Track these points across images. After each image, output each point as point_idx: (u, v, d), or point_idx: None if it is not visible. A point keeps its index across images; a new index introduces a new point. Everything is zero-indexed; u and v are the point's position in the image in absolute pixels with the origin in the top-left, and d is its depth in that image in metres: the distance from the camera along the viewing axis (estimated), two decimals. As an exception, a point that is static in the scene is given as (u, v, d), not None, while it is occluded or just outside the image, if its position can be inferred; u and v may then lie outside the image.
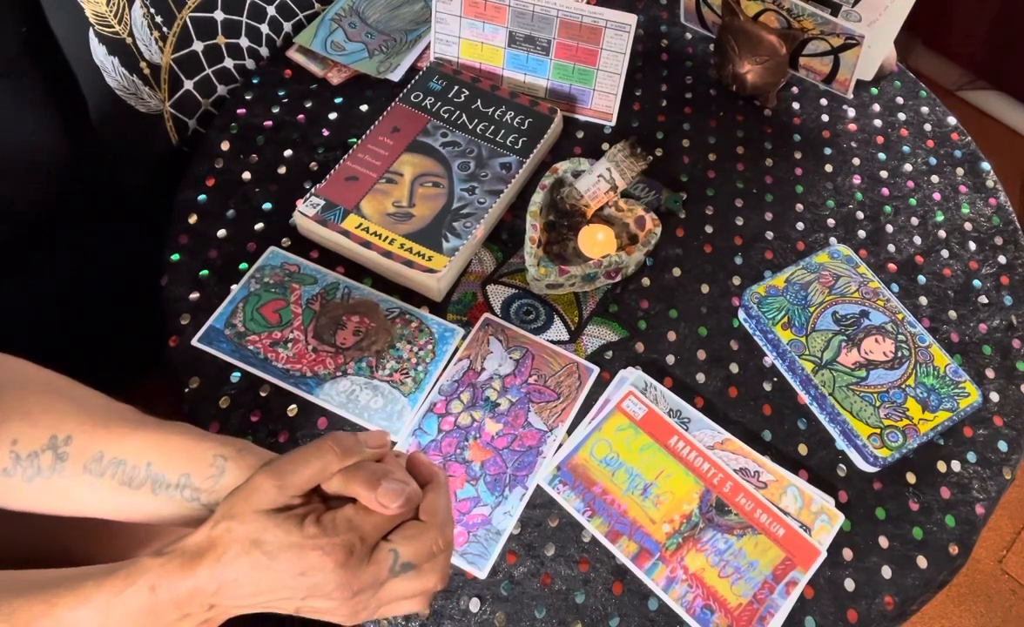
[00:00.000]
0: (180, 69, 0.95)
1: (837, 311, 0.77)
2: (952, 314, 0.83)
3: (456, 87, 0.93)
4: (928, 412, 0.72)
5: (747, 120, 0.98)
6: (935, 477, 0.73)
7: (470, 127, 0.90)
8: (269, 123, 0.92)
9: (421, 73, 0.95)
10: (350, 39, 1.00)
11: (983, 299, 0.84)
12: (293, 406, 0.73)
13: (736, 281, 0.84)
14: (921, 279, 0.85)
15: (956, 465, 0.73)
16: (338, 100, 0.95)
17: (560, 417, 0.73)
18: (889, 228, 0.89)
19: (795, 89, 1.01)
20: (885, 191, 0.92)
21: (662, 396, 0.75)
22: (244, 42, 1.01)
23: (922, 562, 0.68)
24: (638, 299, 0.82)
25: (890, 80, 1.03)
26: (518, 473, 0.70)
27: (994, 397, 0.77)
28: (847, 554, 0.68)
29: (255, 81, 0.96)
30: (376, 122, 0.90)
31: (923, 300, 0.84)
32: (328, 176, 0.85)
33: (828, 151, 0.95)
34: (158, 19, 0.91)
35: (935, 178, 0.94)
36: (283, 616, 0.49)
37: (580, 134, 0.95)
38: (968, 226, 0.90)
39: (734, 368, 0.78)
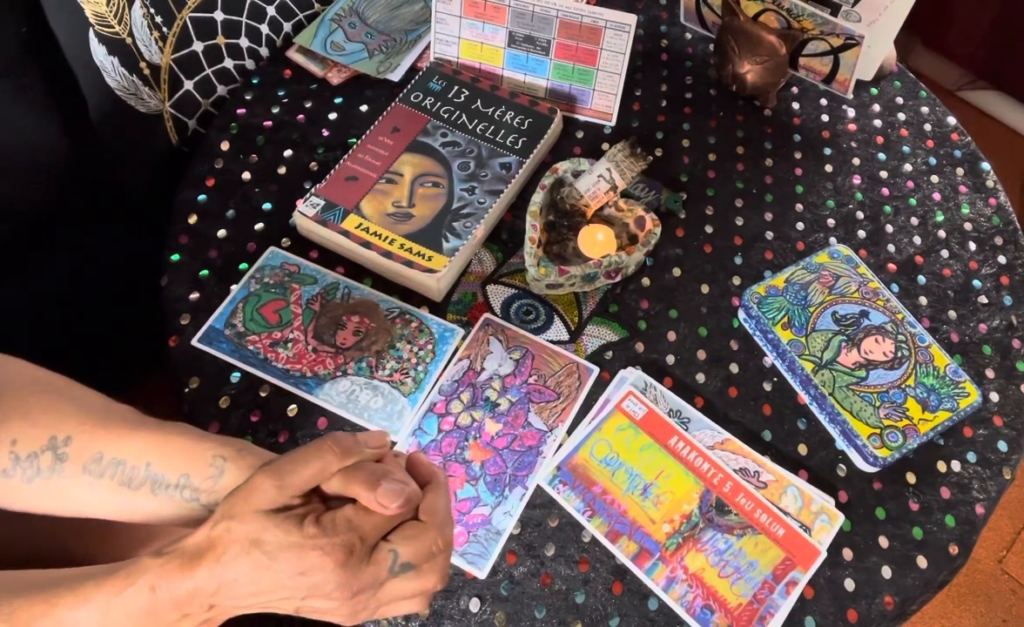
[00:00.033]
0: (180, 69, 0.95)
1: (837, 311, 0.77)
2: (952, 314, 0.83)
3: (456, 87, 0.93)
4: (928, 412, 0.72)
5: (747, 120, 0.98)
6: (935, 477, 0.73)
7: (470, 127, 0.90)
8: (269, 123, 0.92)
9: (421, 73, 0.95)
10: (350, 39, 1.00)
11: (983, 299, 0.84)
12: (293, 406, 0.73)
13: (736, 281, 0.84)
14: (921, 279, 0.85)
15: (956, 465, 0.73)
16: (338, 100, 0.95)
17: (560, 417, 0.73)
18: (889, 228, 0.89)
19: (795, 89, 1.01)
20: (885, 191, 0.92)
21: (662, 396, 0.75)
22: (244, 42, 1.01)
23: (922, 562, 0.68)
24: (638, 299, 0.82)
25: (890, 80, 1.03)
26: (518, 473, 0.70)
27: (994, 397, 0.77)
28: (847, 554, 0.68)
29: (255, 81, 0.97)
30: (376, 122, 0.90)
31: (923, 300, 0.84)
32: (328, 176, 0.85)
33: (828, 151, 0.95)
34: (158, 19, 0.91)
35: (935, 178, 0.94)
36: (283, 616, 0.49)
37: (580, 134, 0.95)
38: (968, 226, 0.90)
39: (734, 368, 0.78)
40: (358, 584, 0.46)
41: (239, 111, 0.93)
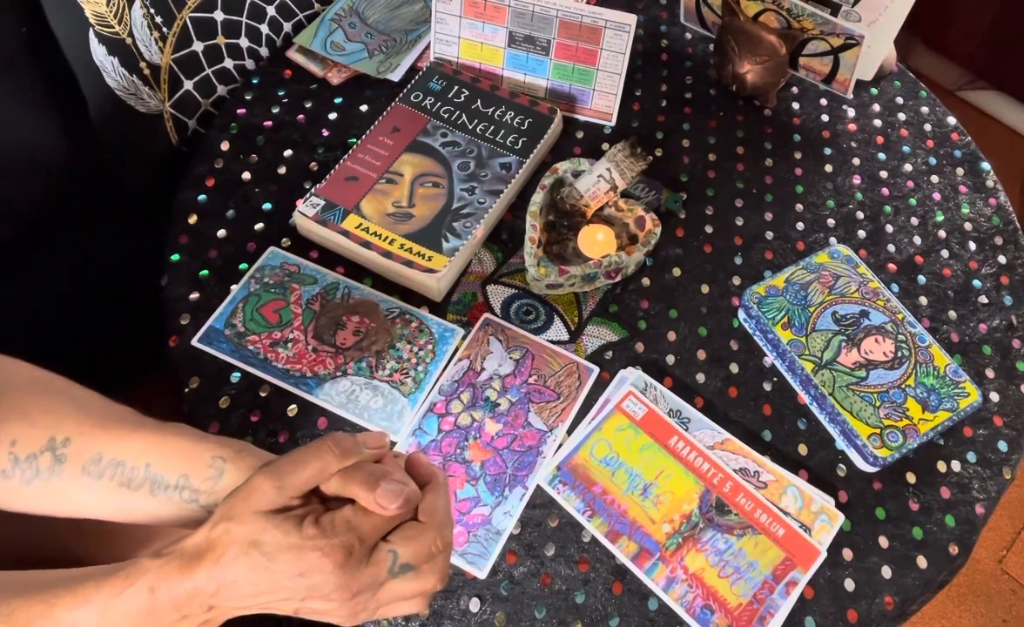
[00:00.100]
0: (180, 69, 0.95)
1: (837, 311, 0.77)
2: (952, 314, 0.83)
3: (456, 87, 0.93)
4: (928, 412, 0.72)
5: (747, 120, 0.98)
6: (935, 477, 0.73)
7: (470, 127, 0.90)
8: (269, 123, 0.92)
9: (421, 73, 0.95)
10: (350, 39, 1.00)
11: (983, 299, 0.84)
12: (293, 406, 0.73)
13: (736, 281, 0.84)
14: (921, 279, 0.85)
15: (956, 465, 0.73)
16: (338, 100, 0.95)
17: (560, 417, 0.73)
18: (889, 228, 0.89)
19: (795, 89, 1.01)
20: (885, 191, 0.92)
21: (662, 396, 0.75)
22: (244, 42, 1.01)
23: (922, 562, 0.68)
24: (638, 299, 0.82)
25: (890, 80, 1.03)
26: (518, 473, 0.70)
27: (994, 397, 0.77)
28: (847, 554, 0.68)
29: (255, 81, 0.96)
30: (376, 122, 0.90)
31: (923, 300, 0.83)
32: (328, 176, 0.85)
33: (828, 151, 0.95)
34: (158, 19, 0.91)
35: (935, 178, 0.94)
36: (282, 617, 0.49)
37: (580, 134, 0.95)
38: (968, 226, 0.90)
39: (734, 368, 0.78)
40: (357, 585, 0.46)
41: (239, 111, 0.93)
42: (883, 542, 0.69)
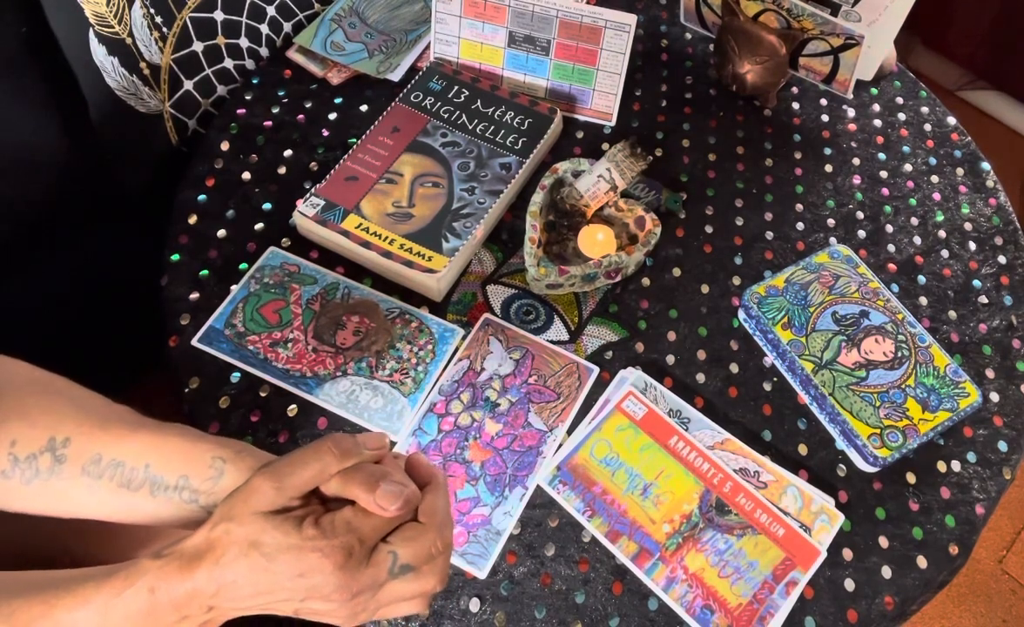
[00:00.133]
0: (180, 69, 0.95)
1: (837, 311, 0.77)
2: (952, 314, 0.83)
3: (456, 87, 0.93)
4: (928, 412, 0.72)
5: (747, 120, 0.98)
6: (935, 477, 0.73)
7: (470, 127, 0.90)
8: (269, 123, 0.92)
9: (421, 73, 0.95)
10: (350, 39, 1.00)
11: (983, 299, 0.84)
12: (293, 406, 0.73)
13: (736, 281, 0.84)
14: (921, 279, 0.85)
15: (956, 465, 0.73)
16: (338, 100, 0.95)
17: (560, 417, 0.73)
18: (889, 228, 0.89)
19: (795, 89, 1.01)
20: (885, 191, 0.92)
21: (662, 396, 0.75)
22: (244, 42, 1.01)
23: (922, 562, 0.68)
24: (638, 299, 0.82)
25: (890, 80, 1.03)
26: (518, 473, 0.70)
27: (994, 397, 0.77)
28: (847, 554, 0.68)
29: (255, 81, 0.96)
30: (376, 122, 0.90)
31: (923, 300, 0.83)
32: (328, 176, 0.85)
33: (828, 151, 0.95)
34: (158, 19, 0.91)
35: (935, 178, 0.94)
36: (282, 618, 0.49)
37: (580, 134, 0.95)
38: (968, 226, 0.90)
39: (734, 368, 0.78)
40: (357, 586, 0.46)
41: (239, 111, 0.93)
42: (883, 542, 0.69)
